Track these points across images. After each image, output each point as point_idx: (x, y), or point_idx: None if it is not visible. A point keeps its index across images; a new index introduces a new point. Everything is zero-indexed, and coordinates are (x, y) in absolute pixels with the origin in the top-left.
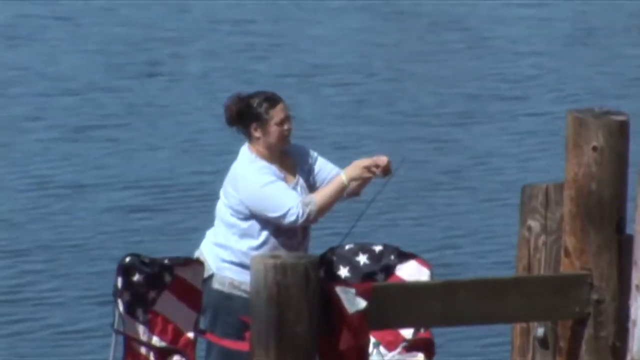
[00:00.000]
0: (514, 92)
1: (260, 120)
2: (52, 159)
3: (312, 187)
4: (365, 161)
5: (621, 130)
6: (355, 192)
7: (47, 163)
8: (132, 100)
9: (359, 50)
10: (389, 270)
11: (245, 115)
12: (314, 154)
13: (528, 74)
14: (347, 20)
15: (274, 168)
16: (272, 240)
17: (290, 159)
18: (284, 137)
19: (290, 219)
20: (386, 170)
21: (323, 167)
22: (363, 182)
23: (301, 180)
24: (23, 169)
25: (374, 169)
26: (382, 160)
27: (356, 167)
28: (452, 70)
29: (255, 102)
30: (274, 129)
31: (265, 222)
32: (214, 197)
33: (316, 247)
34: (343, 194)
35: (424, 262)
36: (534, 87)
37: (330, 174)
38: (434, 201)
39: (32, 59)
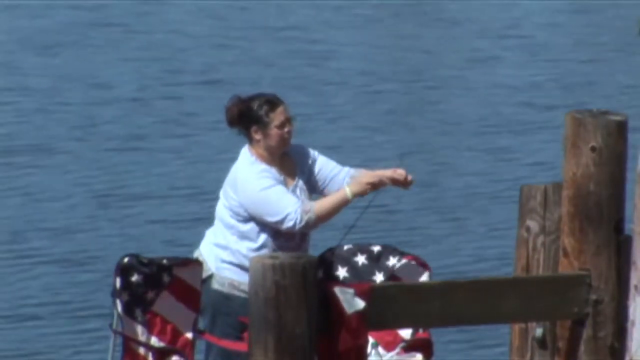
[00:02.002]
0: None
1: (261, 123)
2: (107, 169)
3: (313, 187)
4: (370, 177)
5: (619, 131)
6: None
7: (103, 172)
8: (188, 108)
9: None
10: (388, 270)
11: (245, 118)
12: (314, 153)
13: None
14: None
15: (273, 171)
16: (271, 243)
17: (290, 160)
18: (284, 140)
19: (288, 224)
20: (406, 183)
21: (324, 165)
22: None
23: (301, 182)
24: (79, 179)
25: (369, 189)
26: (400, 173)
27: (361, 183)
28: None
29: (255, 104)
30: (274, 132)
31: (264, 225)
32: None
33: (315, 248)
34: (343, 207)
35: (423, 263)
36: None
37: (333, 172)
38: (437, 201)
39: (83, 67)
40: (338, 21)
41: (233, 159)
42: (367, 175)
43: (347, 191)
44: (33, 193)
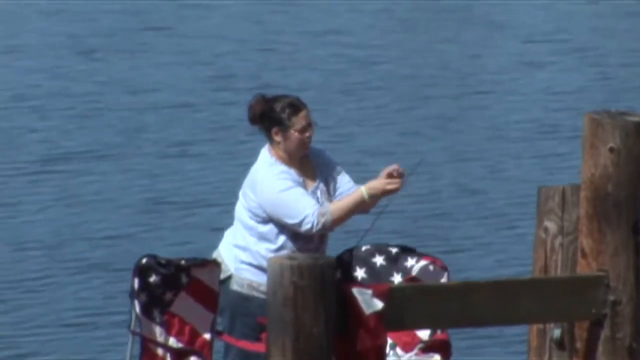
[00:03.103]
0: None
1: (282, 126)
2: (155, 175)
3: (330, 192)
4: (387, 183)
5: (638, 131)
6: (365, 210)
7: (151, 179)
8: (237, 114)
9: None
10: (406, 272)
11: (267, 118)
12: (333, 160)
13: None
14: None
15: (293, 172)
16: (290, 244)
17: (309, 163)
18: (304, 144)
19: (305, 227)
20: (400, 174)
21: (342, 175)
22: (375, 202)
23: (321, 185)
24: (127, 186)
25: (392, 186)
26: (393, 168)
27: (377, 187)
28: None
29: (278, 106)
30: (295, 135)
31: (283, 227)
32: None
33: (333, 249)
34: (360, 209)
35: (441, 264)
36: None
37: (349, 184)
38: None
39: (128, 71)
40: (381, 25)
41: None
42: (381, 180)
43: (363, 191)
44: (81, 200)
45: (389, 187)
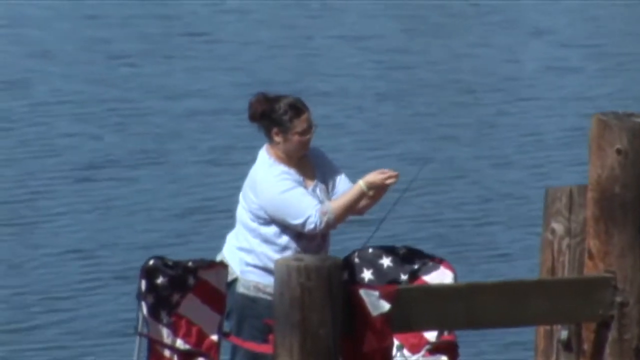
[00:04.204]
0: None
1: (283, 127)
2: (199, 181)
3: (328, 190)
4: (386, 177)
5: None
6: (360, 212)
7: (195, 185)
8: None
9: None
10: (413, 273)
11: (268, 118)
12: (330, 158)
13: None
14: None
15: (292, 172)
16: (294, 245)
17: (308, 162)
18: (304, 146)
19: (309, 227)
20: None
21: (339, 173)
22: (372, 199)
23: (320, 183)
24: (163, 192)
25: (390, 181)
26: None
27: (375, 181)
28: None
29: (280, 107)
30: (295, 137)
31: (286, 227)
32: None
33: (339, 251)
34: (360, 203)
35: (448, 265)
36: None
37: (341, 181)
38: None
39: (163, 78)
40: (415, 30)
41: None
42: (377, 171)
43: (362, 184)
44: (119, 206)
45: (388, 181)
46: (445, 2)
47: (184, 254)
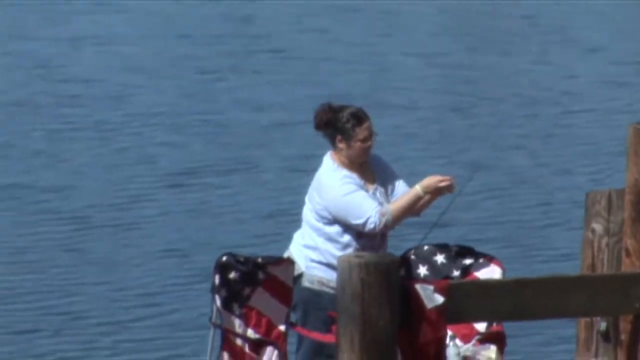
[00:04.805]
0: None
1: (346, 134)
2: (284, 188)
3: (387, 193)
4: (440, 180)
5: None
6: (417, 213)
7: (280, 192)
8: None
9: None
10: (465, 269)
11: (332, 126)
12: (389, 164)
13: None
14: None
15: (355, 176)
16: (354, 243)
17: (369, 167)
18: (365, 153)
19: (369, 227)
20: (451, 188)
21: (397, 178)
22: (426, 204)
23: (380, 187)
24: (258, 198)
25: (444, 184)
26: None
27: (431, 185)
28: None
29: (343, 116)
30: (357, 144)
31: (347, 227)
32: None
33: (396, 248)
34: (417, 205)
35: (497, 262)
36: None
37: (399, 185)
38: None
39: (247, 91)
40: (478, 48)
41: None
42: (434, 175)
43: (418, 188)
44: (210, 211)
45: (442, 184)
46: (506, 23)
47: (267, 253)
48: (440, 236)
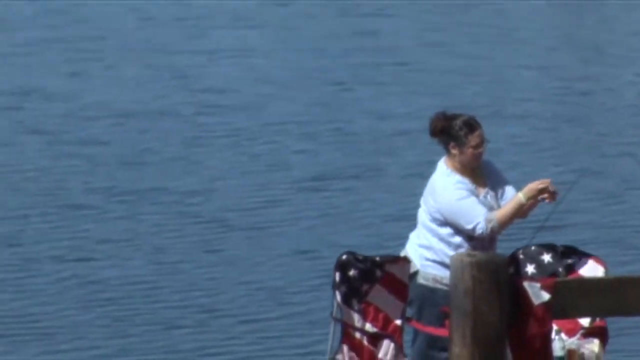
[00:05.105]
0: None
1: (459, 141)
2: (408, 192)
3: (497, 196)
4: (539, 184)
5: None
6: (522, 216)
7: (405, 196)
8: None
9: None
10: (570, 267)
11: (446, 134)
12: (499, 169)
13: None
14: None
15: (467, 181)
16: (465, 244)
17: (481, 172)
18: (477, 159)
19: (477, 232)
20: (554, 196)
21: (506, 182)
22: (532, 206)
23: (491, 192)
24: (384, 201)
25: (542, 186)
26: (551, 185)
27: (532, 188)
28: None
29: (457, 124)
30: (469, 151)
31: (458, 229)
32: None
33: (505, 249)
34: (520, 212)
35: (600, 261)
36: None
37: (508, 189)
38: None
39: (386, 101)
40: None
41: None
42: (535, 182)
43: (521, 196)
44: (336, 213)
45: (540, 186)
46: (615, 37)
47: (391, 253)
48: (549, 238)
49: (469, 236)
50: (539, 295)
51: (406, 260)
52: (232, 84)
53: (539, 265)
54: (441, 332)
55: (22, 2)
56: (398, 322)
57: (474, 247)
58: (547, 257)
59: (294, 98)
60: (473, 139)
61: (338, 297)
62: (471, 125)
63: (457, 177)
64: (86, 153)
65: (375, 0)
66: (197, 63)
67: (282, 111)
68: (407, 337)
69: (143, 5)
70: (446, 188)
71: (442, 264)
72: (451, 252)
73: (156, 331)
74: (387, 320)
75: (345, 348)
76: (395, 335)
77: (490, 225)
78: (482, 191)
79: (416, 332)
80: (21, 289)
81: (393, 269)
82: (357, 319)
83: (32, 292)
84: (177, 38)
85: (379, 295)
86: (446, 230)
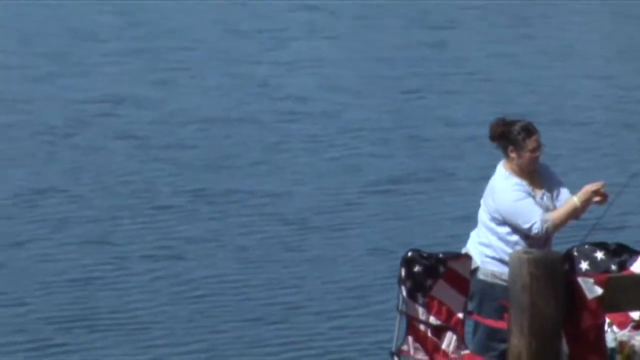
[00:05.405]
0: None
1: (517, 145)
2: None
3: (553, 198)
4: (593, 186)
5: None
6: (577, 217)
7: (472, 198)
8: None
9: None
10: (622, 264)
11: (505, 138)
12: (555, 172)
13: None
14: None
15: (524, 184)
16: (522, 242)
17: (538, 175)
18: (534, 162)
19: (533, 231)
20: (605, 199)
21: (562, 185)
22: (584, 207)
23: (547, 193)
24: (452, 203)
25: (594, 188)
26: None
27: (586, 192)
28: None
29: (515, 129)
30: (527, 155)
31: (516, 228)
32: None
33: (561, 246)
34: (574, 214)
35: None
36: None
37: (563, 192)
38: None
39: (455, 109)
40: None
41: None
42: (590, 185)
43: (576, 200)
44: (409, 214)
45: (594, 188)
46: None
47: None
48: (603, 237)
49: (526, 235)
50: (593, 290)
51: (468, 257)
52: (309, 92)
53: (593, 262)
54: (500, 324)
55: (112, 15)
56: (460, 315)
57: (530, 245)
58: (600, 255)
59: (368, 105)
60: (530, 143)
61: (404, 291)
62: (529, 130)
63: (515, 180)
64: (173, 157)
65: (444, 14)
66: (277, 73)
67: (357, 118)
68: (467, 329)
69: (226, 19)
70: (505, 190)
71: (500, 260)
72: (509, 250)
73: (244, 327)
74: (450, 313)
75: (410, 339)
76: (457, 328)
77: (545, 226)
78: (539, 193)
79: (476, 325)
80: (115, 286)
81: (455, 265)
82: (421, 312)
83: (125, 290)
84: (258, 49)
85: (442, 289)
86: (504, 229)
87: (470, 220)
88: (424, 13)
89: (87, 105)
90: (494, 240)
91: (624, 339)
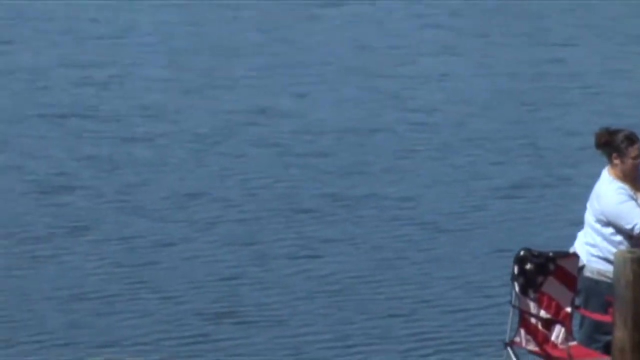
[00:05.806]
0: None
1: (620, 153)
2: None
3: None
4: None
5: None
6: None
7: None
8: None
9: None
10: None
11: (609, 146)
12: None
13: None
14: None
15: (627, 188)
16: (625, 242)
17: (639, 180)
18: (635, 169)
19: (636, 231)
20: None
21: None
22: None
23: None
24: (567, 208)
25: None
26: None
27: None
28: None
29: (619, 138)
30: (629, 161)
31: (619, 229)
32: None
33: None
34: None
35: None
36: None
37: None
38: None
39: (569, 120)
40: None
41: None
42: None
43: None
44: (525, 218)
45: None
46: None
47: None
48: None
49: (629, 235)
50: None
51: (576, 256)
52: (437, 104)
53: None
54: (605, 318)
55: (253, 32)
56: (568, 309)
57: (633, 245)
58: None
59: (491, 117)
60: (633, 151)
61: (516, 287)
62: (631, 139)
63: (619, 184)
64: (312, 163)
65: (563, 32)
66: (408, 86)
67: (481, 128)
68: (575, 322)
69: (360, 35)
70: (609, 193)
71: (605, 259)
72: (613, 249)
73: (375, 319)
74: (559, 308)
75: (522, 332)
76: (566, 321)
77: None
78: None
79: (583, 318)
80: (258, 282)
81: (564, 263)
82: (532, 307)
83: (267, 285)
84: (390, 64)
85: (552, 286)
86: (609, 230)
87: (582, 223)
88: (545, 31)
89: (233, 115)
90: (599, 241)
91: None
